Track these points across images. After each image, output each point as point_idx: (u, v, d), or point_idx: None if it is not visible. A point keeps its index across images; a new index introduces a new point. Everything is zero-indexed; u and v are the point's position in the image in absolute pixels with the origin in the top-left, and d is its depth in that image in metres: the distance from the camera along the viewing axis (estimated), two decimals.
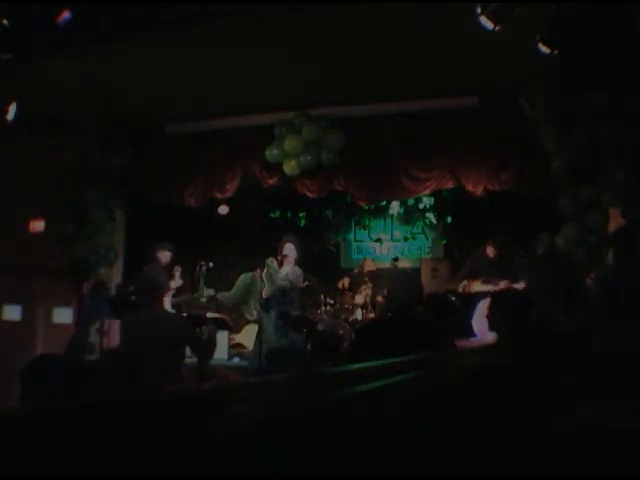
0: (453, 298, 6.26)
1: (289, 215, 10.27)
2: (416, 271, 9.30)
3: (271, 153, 7.82)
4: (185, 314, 6.83)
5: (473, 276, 7.38)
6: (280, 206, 10.15)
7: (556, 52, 5.10)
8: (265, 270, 6.50)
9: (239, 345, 8.17)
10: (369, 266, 8.93)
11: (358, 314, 8.23)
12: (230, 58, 6.38)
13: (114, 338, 7.62)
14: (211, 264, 7.74)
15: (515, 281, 6.80)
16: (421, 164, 7.67)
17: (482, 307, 7.17)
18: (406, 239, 10.27)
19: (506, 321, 3.24)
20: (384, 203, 9.67)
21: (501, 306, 3.38)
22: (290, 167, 7.77)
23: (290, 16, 5.62)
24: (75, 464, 0.72)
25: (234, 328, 8.02)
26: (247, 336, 7.91)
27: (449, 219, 9.79)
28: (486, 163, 7.37)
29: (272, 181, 8.13)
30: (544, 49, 5.11)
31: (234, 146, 8.22)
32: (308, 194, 8.18)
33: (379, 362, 1.14)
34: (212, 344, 5.02)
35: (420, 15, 5.47)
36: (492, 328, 3.49)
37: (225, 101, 7.54)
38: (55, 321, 8.24)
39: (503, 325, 3.23)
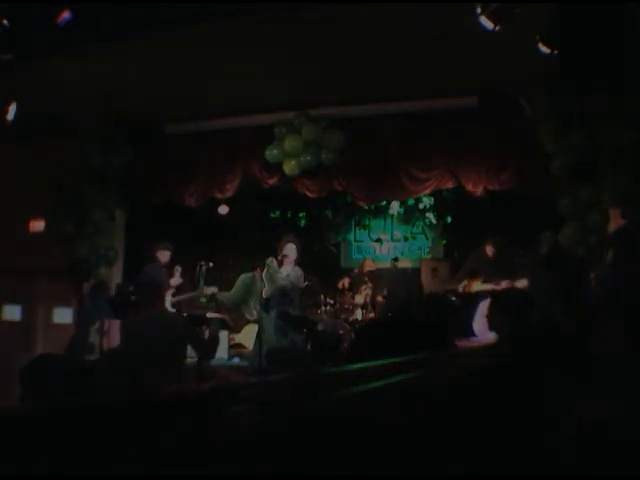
0: (453, 298, 6.26)
1: (289, 215, 10.27)
2: (416, 271, 9.30)
3: (271, 153, 7.82)
4: (185, 314, 6.84)
5: (473, 276, 7.38)
6: (280, 206, 10.16)
7: (556, 52, 5.10)
8: (265, 270, 6.50)
9: (239, 345, 8.17)
10: (369, 266, 8.93)
11: (358, 314, 8.23)
12: (230, 58, 6.38)
13: (114, 338, 7.61)
14: (211, 264, 7.74)
15: (515, 280, 6.81)
16: (421, 164, 7.67)
17: (483, 307, 7.18)
18: (406, 239, 10.27)
19: (506, 321, 3.24)
20: (384, 203, 9.67)
21: (501, 306, 3.38)
22: (290, 167, 7.77)
23: (290, 16, 5.62)
24: (75, 464, 0.72)
25: (234, 328, 8.02)
26: (247, 336, 7.91)
27: (449, 219, 9.79)
28: (486, 163, 7.37)
29: (272, 181, 8.13)
30: (544, 49, 5.11)
31: (234, 146, 8.22)
32: (308, 194, 8.18)
33: (379, 362, 1.14)
34: (215, 342, 5.02)
35: (420, 15, 5.47)
36: (492, 328, 3.50)
37: (225, 101, 7.54)
38: (55, 321, 8.24)
39: (503, 325, 3.23)
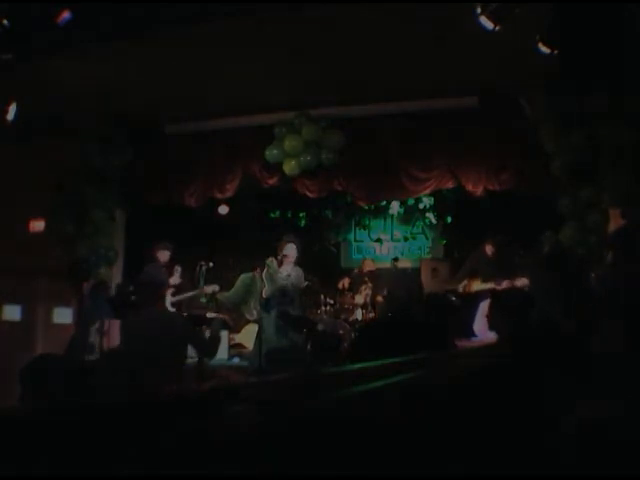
0: (453, 298, 6.27)
1: (289, 215, 10.28)
2: (416, 271, 9.30)
3: (271, 153, 7.82)
4: (185, 314, 6.83)
5: (473, 275, 7.39)
6: (280, 206, 10.16)
7: (556, 52, 5.10)
8: (265, 270, 6.50)
9: (239, 345, 8.18)
10: (369, 266, 8.93)
11: (358, 314, 8.23)
12: (230, 58, 6.38)
13: (114, 338, 7.61)
14: (211, 264, 7.74)
15: (515, 280, 6.81)
16: (421, 164, 7.67)
17: (483, 307, 7.19)
18: (406, 239, 10.27)
19: (506, 321, 3.24)
20: (384, 203, 9.68)
21: (501, 306, 3.38)
22: (290, 167, 7.77)
23: (290, 16, 5.62)
24: (75, 464, 0.72)
25: (234, 328, 8.02)
26: (247, 336, 7.91)
27: (449, 219, 9.80)
28: (486, 163, 7.37)
29: (272, 181, 8.13)
30: (544, 49, 5.10)
31: (234, 146, 8.22)
32: (308, 194, 8.18)
33: (379, 362, 1.14)
34: (216, 340, 5.01)
35: (420, 15, 5.47)
36: (492, 328, 3.50)
37: (225, 101, 7.54)
38: (55, 321, 8.24)
39: (503, 325, 3.23)
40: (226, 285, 7.81)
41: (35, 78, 6.44)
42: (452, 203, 9.38)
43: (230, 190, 8.31)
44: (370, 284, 8.37)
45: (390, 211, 10.05)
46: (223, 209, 9.33)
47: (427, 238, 10.21)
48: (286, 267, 6.51)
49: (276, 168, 7.96)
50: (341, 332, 7.47)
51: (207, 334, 5.37)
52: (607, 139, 6.08)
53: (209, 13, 5.51)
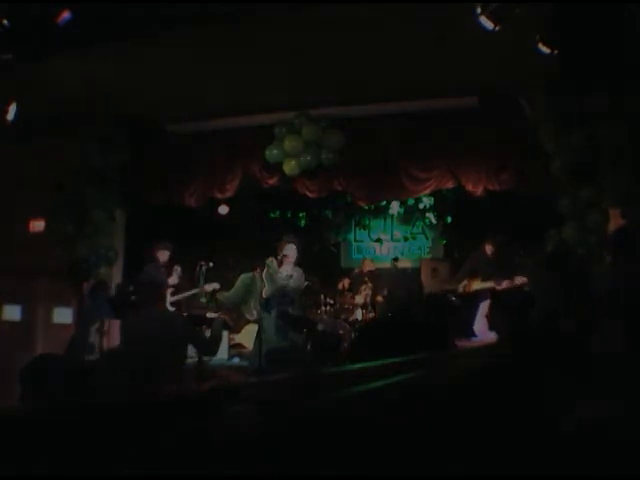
0: (453, 298, 6.28)
1: (289, 215, 10.28)
2: (416, 271, 9.31)
3: (271, 153, 7.82)
4: (185, 314, 6.83)
5: (473, 275, 7.39)
6: (280, 206, 10.17)
7: (556, 52, 5.10)
8: (265, 270, 6.49)
9: (239, 345, 8.18)
10: (368, 266, 8.94)
11: (358, 314, 8.23)
12: (230, 58, 6.38)
13: (114, 338, 7.62)
14: (211, 264, 7.74)
15: (515, 278, 6.82)
16: (421, 164, 7.67)
17: (483, 307, 7.20)
18: (406, 239, 10.28)
19: (506, 321, 3.24)
20: (384, 203, 9.68)
21: (501, 306, 3.38)
22: (290, 167, 7.77)
23: (290, 16, 5.62)
24: (75, 464, 0.72)
25: (234, 328, 8.02)
26: (247, 336, 7.91)
27: (449, 219, 9.80)
28: (486, 163, 7.37)
29: (272, 181, 8.13)
30: (544, 49, 5.10)
31: (234, 146, 8.22)
32: (308, 194, 8.18)
33: (379, 362, 1.14)
34: (217, 338, 5.01)
35: (420, 15, 5.47)
36: (492, 328, 3.50)
37: (225, 101, 7.54)
38: (55, 321, 8.24)
39: (503, 325, 3.24)
40: (226, 285, 7.81)
41: (35, 78, 6.44)
42: (452, 203, 9.39)
43: (230, 190, 8.31)
44: (370, 284, 8.38)
45: (390, 211, 10.05)
46: (223, 209, 9.34)
47: (427, 238, 10.22)
48: (286, 267, 6.51)
49: (276, 168, 7.96)
50: (341, 332, 7.47)
51: (207, 334, 5.37)
52: (607, 139, 6.08)
53: (209, 13, 5.51)
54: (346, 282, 8.75)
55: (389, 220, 10.39)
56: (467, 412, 0.91)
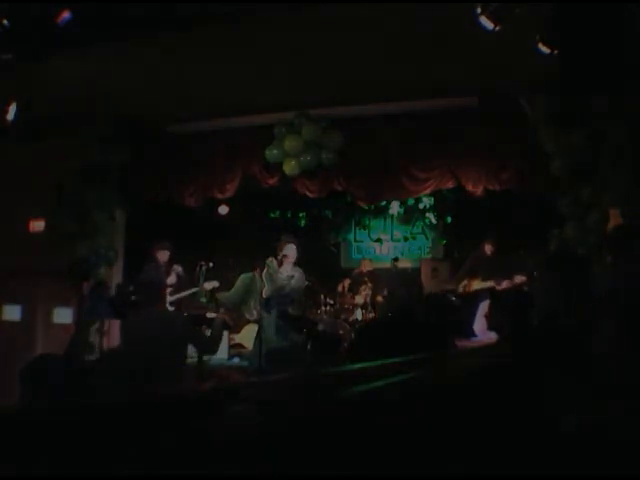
0: (453, 298, 6.27)
1: (289, 215, 10.29)
2: (416, 271, 9.32)
3: (271, 153, 7.82)
4: (185, 314, 6.83)
5: (473, 275, 7.40)
6: (280, 206, 10.17)
7: (556, 52, 5.10)
8: (265, 270, 6.50)
9: (239, 345, 8.18)
10: (367, 266, 8.96)
11: (358, 314, 8.24)
12: (230, 58, 6.38)
13: (114, 338, 7.62)
14: (211, 264, 7.74)
15: (515, 278, 6.82)
16: (421, 164, 7.67)
17: (483, 307, 7.21)
18: (406, 239, 10.29)
19: (506, 321, 3.24)
20: (384, 203, 9.68)
21: (501, 306, 3.38)
22: (290, 167, 7.77)
23: (290, 16, 5.62)
24: (75, 464, 0.72)
25: (234, 328, 8.02)
26: (247, 336, 7.91)
27: (449, 219, 9.81)
28: (486, 163, 7.37)
29: (272, 181, 8.13)
30: (544, 49, 5.10)
31: (234, 146, 8.22)
32: (308, 194, 8.18)
33: (379, 362, 1.14)
34: (217, 336, 5.00)
35: (420, 15, 5.46)
36: (492, 328, 3.50)
37: (225, 101, 7.53)
38: (55, 321, 8.23)
39: (503, 325, 3.24)
40: (226, 285, 7.82)
41: (35, 78, 6.44)
42: (452, 203, 9.39)
43: (230, 190, 8.31)
44: (370, 284, 8.38)
45: (390, 211, 10.06)
46: (223, 209, 9.34)
47: (427, 238, 10.22)
48: (286, 267, 6.51)
49: (276, 168, 7.96)
50: (341, 332, 7.48)
51: (208, 334, 5.37)
52: (607, 139, 6.08)
53: (209, 13, 5.51)
54: (346, 283, 8.76)
55: (389, 220, 10.40)
56: (467, 412, 0.91)
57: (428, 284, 8.40)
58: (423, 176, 7.71)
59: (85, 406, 0.89)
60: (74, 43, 5.76)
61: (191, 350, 5.20)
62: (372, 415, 0.84)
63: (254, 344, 6.65)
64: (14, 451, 0.73)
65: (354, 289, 8.59)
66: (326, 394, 0.90)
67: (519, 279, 6.76)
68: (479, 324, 7.02)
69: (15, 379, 2.71)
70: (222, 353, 7.53)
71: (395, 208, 9.98)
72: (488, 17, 4.75)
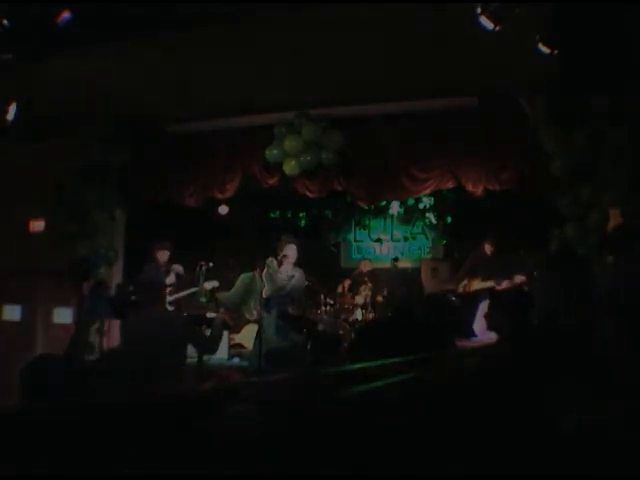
0: (453, 298, 6.27)
1: (289, 215, 10.29)
2: (416, 271, 9.32)
3: (271, 153, 7.82)
4: (185, 314, 6.83)
5: (473, 275, 7.40)
6: (280, 206, 10.17)
7: (556, 52, 5.10)
8: (265, 270, 6.50)
9: (239, 345, 8.18)
10: (366, 266, 8.96)
11: (358, 314, 8.24)
12: (230, 58, 6.38)
13: (114, 338, 7.62)
14: (211, 264, 7.74)
15: (515, 278, 6.82)
16: (421, 164, 7.67)
17: (483, 307, 7.21)
18: (406, 239, 10.29)
19: (506, 321, 3.24)
20: (384, 203, 9.69)
21: (501, 306, 3.38)
22: (290, 167, 7.77)
23: (290, 16, 5.62)
24: (75, 464, 0.72)
25: (234, 328, 8.02)
26: (247, 336, 7.91)
27: (449, 219, 9.81)
28: (486, 163, 7.36)
29: (272, 181, 8.13)
30: (544, 49, 5.10)
31: (234, 146, 8.22)
32: (308, 194, 8.18)
33: (379, 362, 1.14)
34: (217, 336, 5.00)
35: (420, 15, 5.46)
36: (492, 328, 3.50)
37: (225, 101, 7.53)
38: (55, 321, 8.23)
39: (503, 325, 3.23)
40: (226, 285, 7.82)
41: (35, 78, 6.44)
42: (452, 203, 9.39)
43: (230, 190, 8.31)
44: (370, 284, 8.38)
45: (390, 211, 10.06)
46: (223, 209, 9.34)
47: (427, 238, 10.23)
48: (286, 267, 6.51)
49: (276, 168, 7.96)
50: (341, 332, 7.48)
51: (208, 334, 5.37)
52: (607, 139, 6.08)
53: (209, 13, 5.51)
54: (346, 283, 8.77)
55: (389, 220, 10.40)
56: (467, 412, 0.91)
57: (428, 284, 8.40)
58: (423, 176, 7.71)
59: (85, 406, 0.89)
60: (74, 43, 5.76)
61: (191, 350, 5.20)
62: (372, 415, 0.84)
63: (254, 344, 6.65)
64: (14, 451, 0.73)
65: (354, 289, 8.59)
66: (326, 394, 0.90)
67: (519, 279, 6.76)
68: (479, 324, 7.02)
69: (15, 379, 2.70)
70: (222, 353, 7.53)
71: (395, 208, 9.98)
72: (488, 17, 4.75)
